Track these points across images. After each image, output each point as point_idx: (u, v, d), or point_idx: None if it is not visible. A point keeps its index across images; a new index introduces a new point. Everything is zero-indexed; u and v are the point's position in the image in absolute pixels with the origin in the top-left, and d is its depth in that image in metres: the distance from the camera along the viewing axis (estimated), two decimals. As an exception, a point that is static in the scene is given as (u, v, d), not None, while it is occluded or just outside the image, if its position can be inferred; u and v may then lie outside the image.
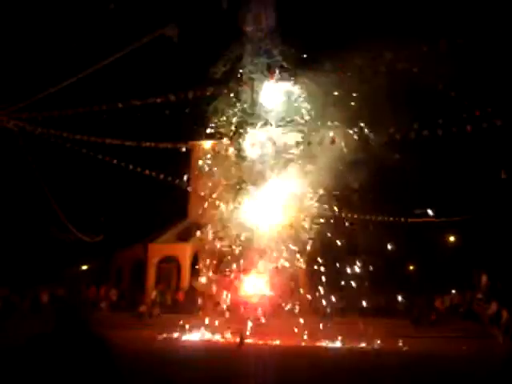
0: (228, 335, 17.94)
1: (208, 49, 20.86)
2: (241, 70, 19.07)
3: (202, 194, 22.42)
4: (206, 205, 22.45)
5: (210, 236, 22.55)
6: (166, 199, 25.72)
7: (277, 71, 19.35)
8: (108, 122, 16.77)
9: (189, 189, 23.61)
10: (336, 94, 18.51)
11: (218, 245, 22.15)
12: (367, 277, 23.10)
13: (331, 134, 17.50)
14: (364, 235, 23.61)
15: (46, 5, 19.09)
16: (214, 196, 21.93)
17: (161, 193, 24.81)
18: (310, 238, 20.75)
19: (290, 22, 19.67)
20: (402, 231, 23.79)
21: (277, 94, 19.96)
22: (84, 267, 29.00)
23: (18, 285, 21.91)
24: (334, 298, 21.64)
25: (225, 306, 20.48)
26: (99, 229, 22.66)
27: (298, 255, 21.80)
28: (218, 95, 18.75)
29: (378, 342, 16.58)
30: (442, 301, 22.41)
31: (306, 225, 20.73)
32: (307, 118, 19.74)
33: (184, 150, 21.61)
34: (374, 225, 22.86)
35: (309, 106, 19.76)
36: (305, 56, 18.80)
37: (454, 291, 23.09)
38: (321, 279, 21.54)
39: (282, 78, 19.42)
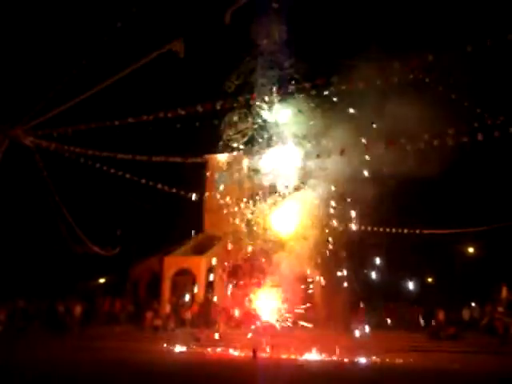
0: (241, 349, 17.81)
1: (215, 63, 21.02)
2: (252, 85, 19.18)
3: (217, 207, 22.51)
4: (221, 218, 22.52)
5: (225, 249, 22.61)
6: (181, 212, 25.84)
7: (288, 85, 19.40)
8: (123, 137, 16.98)
9: (204, 202, 23.72)
10: (349, 107, 18.45)
11: (233, 258, 22.19)
12: (385, 290, 22.81)
13: (345, 146, 17.45)
14: (382, 247, 23.35)
15: (57, 24, 19.56)
16: (229, 209, 22.00)
17: (176, 206, 24.92)
18: (327, 251, 20.61)
19: (302, 34, 19.74)
20: (420, 242, 23.43)
21: (289, 108, 20.01)
22: (101, 280, 29.25)
23: (35, 297, 22.19)
24: (349, 312, 21.38)
25: (239, 320, 20.41)
26: (115, 242, 22.83)
27: (314, 268, 21.67)
28: (230, 109, 18.87)
29: (395, 355, 16.30)
30: (461, 314, 21.92)
31: (323, 237, 20.63)
32: (320, 131, 19.70)
33: (198, 163, 21.73)
34: (392, 236, 22.57)
35: (322, 120, 19.73)
36: (318, 69, 18.78)
37: (473, 304, 22.54)
38: (338, 292, 21.33)
39: (293, 93, 19.45)
